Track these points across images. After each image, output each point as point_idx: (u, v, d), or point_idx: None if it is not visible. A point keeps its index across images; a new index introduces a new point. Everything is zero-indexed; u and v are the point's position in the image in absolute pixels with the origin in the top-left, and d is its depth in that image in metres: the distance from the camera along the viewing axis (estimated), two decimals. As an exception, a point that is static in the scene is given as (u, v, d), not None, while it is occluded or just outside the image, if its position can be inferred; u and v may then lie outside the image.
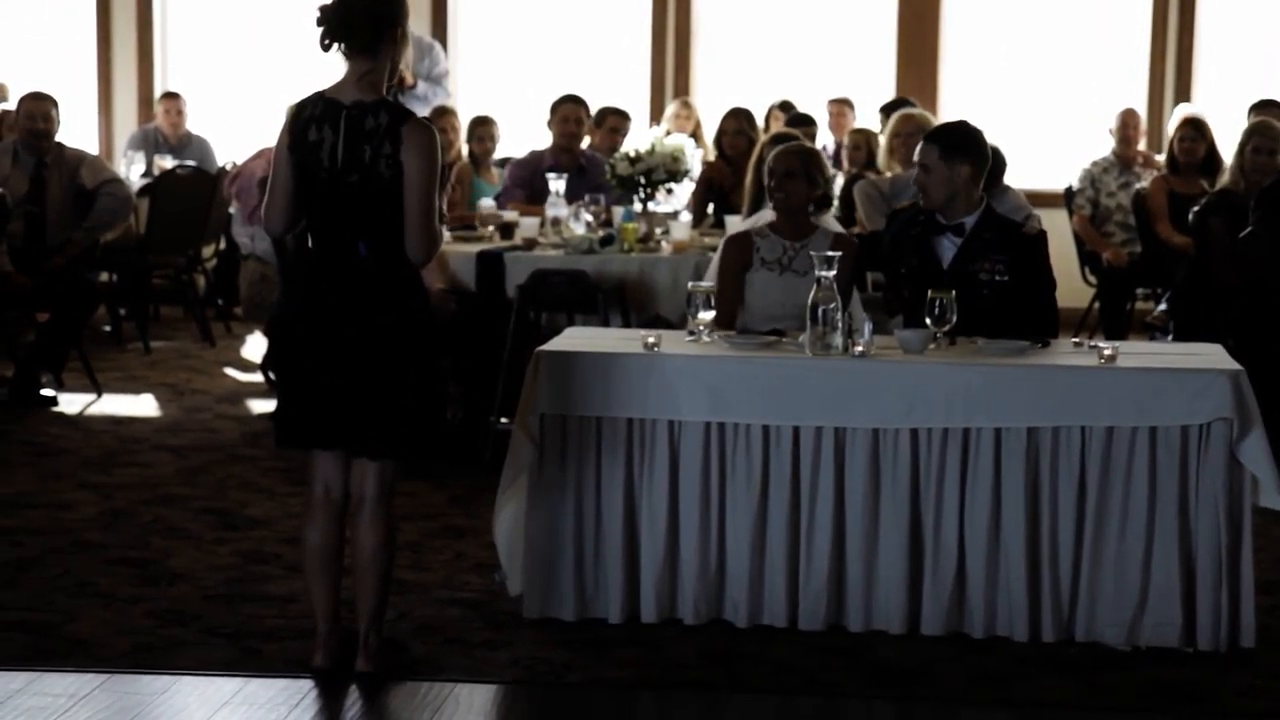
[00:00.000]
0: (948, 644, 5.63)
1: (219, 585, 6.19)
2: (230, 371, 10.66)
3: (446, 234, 8.53)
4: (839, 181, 9.46)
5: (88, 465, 8.03)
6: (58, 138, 9.71)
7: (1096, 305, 11.09)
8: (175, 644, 5.55)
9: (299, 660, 5.35)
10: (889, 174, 9.08)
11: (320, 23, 5.08)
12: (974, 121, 6.54)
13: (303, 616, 5.59)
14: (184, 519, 7.11)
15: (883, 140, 9.35)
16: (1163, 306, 9.79)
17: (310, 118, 5.09)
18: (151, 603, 5.96)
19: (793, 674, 5.40)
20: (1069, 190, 11.27)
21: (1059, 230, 11.07)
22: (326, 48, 5.09)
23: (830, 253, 5.73)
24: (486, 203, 9.14)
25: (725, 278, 6.77)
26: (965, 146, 6.29)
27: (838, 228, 7.25)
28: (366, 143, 5.03)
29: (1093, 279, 11.14)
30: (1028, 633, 5.64)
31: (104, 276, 11.22)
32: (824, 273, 5.65)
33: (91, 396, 9.56)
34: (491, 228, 8.93)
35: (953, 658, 5.54)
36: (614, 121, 10.27)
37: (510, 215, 8.93)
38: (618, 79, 13.11)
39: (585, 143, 10.04)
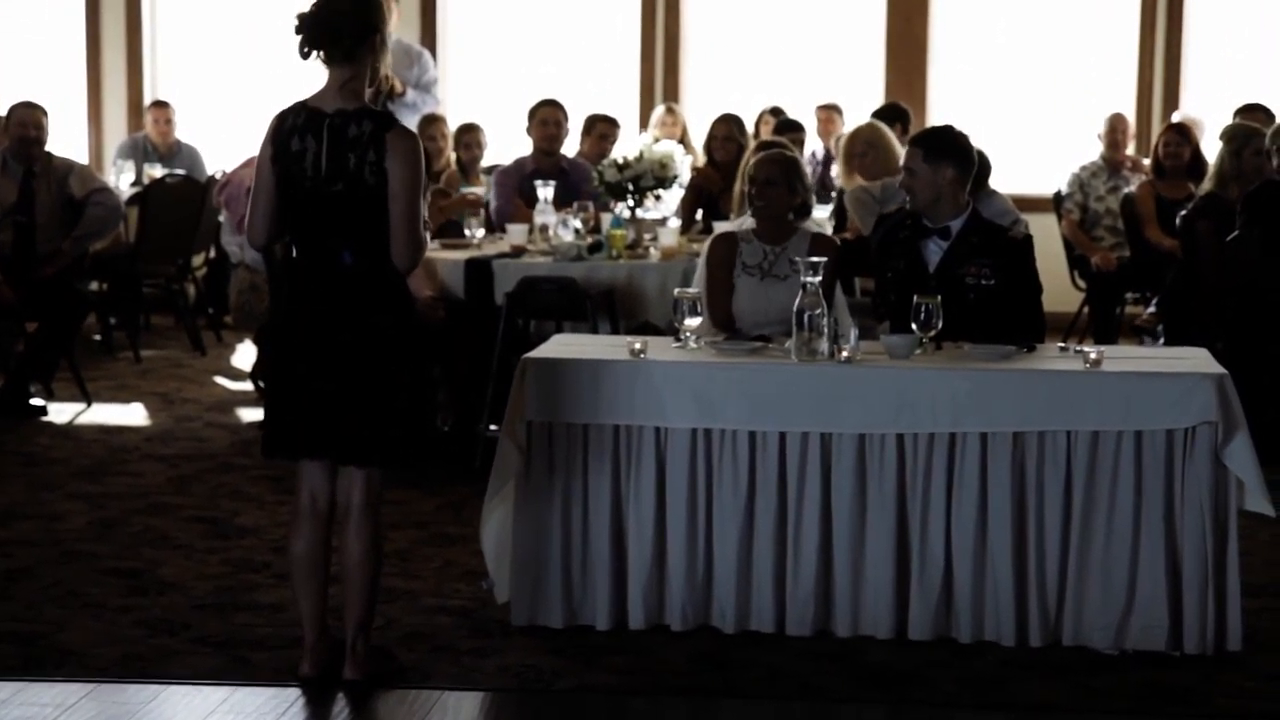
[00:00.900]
0: (936, 648, 5.64)
1: (208, 594, 6.19)
2: (221, 380, 10.66)
3: (435, 242, 8.54)
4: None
5: (78, 475, 8.03)
6: (47, 147, 9.71)
7: (1086, 309, 11.10)
8: (164, 653, 5.55)
9: (287, 669, 5.35)
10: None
11: (299, 31, 5.09)
12: (964, 126, 6.56)
13: (291, 625, 5.60)
14: (174, 528, 7.11)
15: (840, 161, 9.37)
16: (1152, 309, 9.81)
17: (293, 127, 5.10)
18: (141, 612, 5.97)
19: (784, 679, 5.41)
20: (1058, 194, 11.29)
21: (1048, 234, 11.10)
22: (305, 55, 5.11)
23: (814, 258, 5.74)
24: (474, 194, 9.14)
25: (715, 274, 6.77)
26: (949, 149, 6.31)
27: (817, 229, 7.24)
28: (350, 151, 5.04)
29: (1082, 283, 11.16)
30: (1015, 637, 5.65)
31: (94, 285, 11.23)
32: (809, 278, 5.66)
33: (81, 406, 9.56)
34: (481, 233, 8.93)
35: (942, 662, 5.55)
36: (603, 128, 10.29)
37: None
38: (607, 86, 13.11)
39: (574, 149, 10.05)
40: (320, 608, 5.27)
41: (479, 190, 9.63)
